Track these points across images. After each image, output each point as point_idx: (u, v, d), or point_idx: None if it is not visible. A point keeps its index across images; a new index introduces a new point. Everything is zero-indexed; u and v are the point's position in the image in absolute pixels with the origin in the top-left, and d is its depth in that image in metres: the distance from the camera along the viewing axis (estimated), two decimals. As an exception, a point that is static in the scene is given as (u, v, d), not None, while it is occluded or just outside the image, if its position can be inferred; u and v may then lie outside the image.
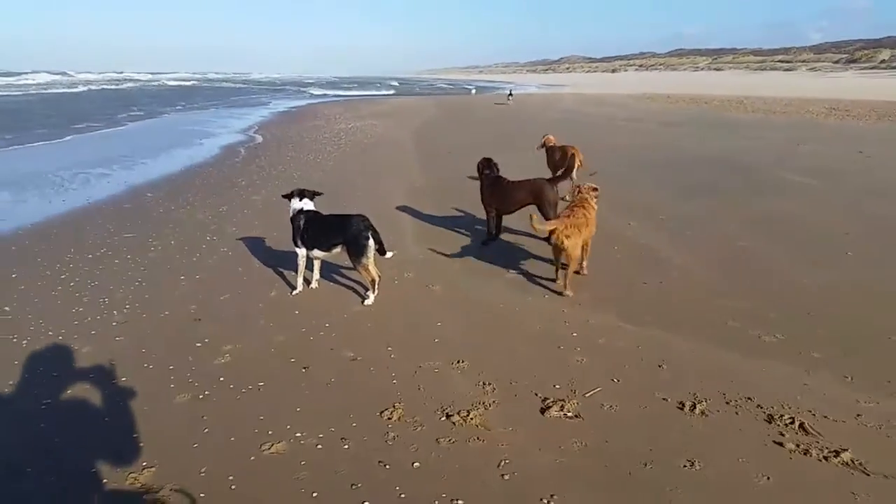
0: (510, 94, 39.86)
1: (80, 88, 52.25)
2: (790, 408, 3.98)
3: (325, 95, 54.77)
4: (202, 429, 3.85)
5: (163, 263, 7.04)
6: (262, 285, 6.35)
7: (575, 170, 9.32)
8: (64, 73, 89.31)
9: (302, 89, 65.85)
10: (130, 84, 65.22)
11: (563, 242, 5.93)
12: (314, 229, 6.05)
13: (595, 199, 6.61)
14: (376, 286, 5.89)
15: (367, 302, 5.87)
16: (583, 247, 6.31)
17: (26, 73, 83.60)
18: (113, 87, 57.59)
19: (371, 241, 5.77)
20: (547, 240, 6.65)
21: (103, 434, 3.83)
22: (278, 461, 3.53)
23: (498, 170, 7.72)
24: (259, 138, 19.21)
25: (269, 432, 3.78)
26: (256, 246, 7.66)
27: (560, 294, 6.11)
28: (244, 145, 17.53)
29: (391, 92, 59.80)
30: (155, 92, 51.26)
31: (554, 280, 6.40)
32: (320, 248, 6.05)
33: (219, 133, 20.95)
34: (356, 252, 5.78)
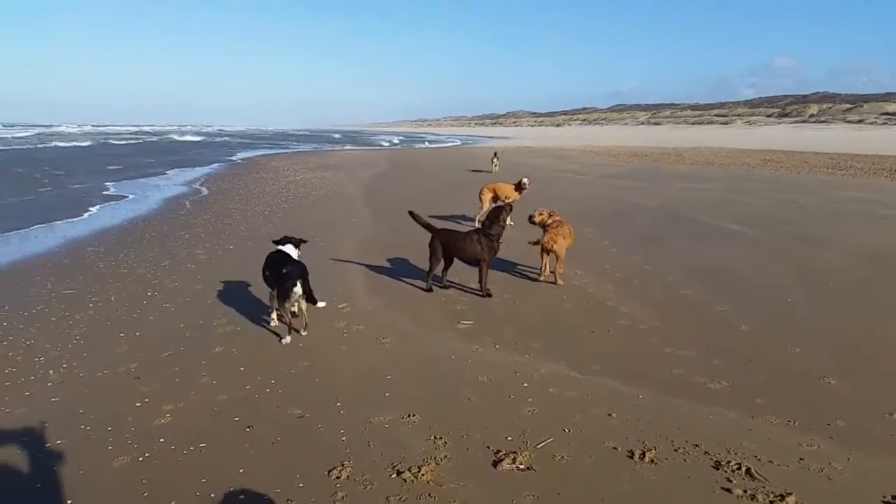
0: (496, 157, 26.76)
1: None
2: (736, 453, 4.03)
3: (275, 146, 54.74)
4: (142, 493, 3.67)
5: (102, 320, 6.79)
6: (206, 342, 6.16)
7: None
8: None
9: (252, 142, 65.81)
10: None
11: (552, 246, 8.01)
12: (268, 270, 6.43)
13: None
14: (291, 329, 6.17)
15: (283, 341, 6.08)
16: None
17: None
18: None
19: (297, 288, 5.99)
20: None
21: (35, 501, 3.62)
22: (221, 526, 3.38)
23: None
24: (205, 191, 18.97)
25: (212, 495, 3.63)
26: (199, 301, 7.47)
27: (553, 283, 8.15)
28: (189, 198, 17.27)
29: (338, 147, 59.54)
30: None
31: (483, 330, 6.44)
32: (271, 288, 6.42)
33: (164, 185, 20.64)
34: (280, 296, 6.05)
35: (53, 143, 51.89)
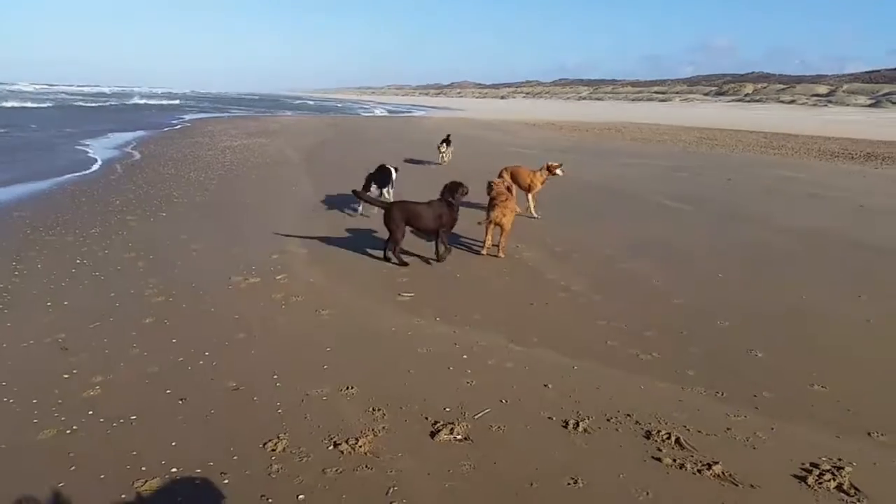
0: (446, 145, 18.61)
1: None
2: (667, 423, 4.17)
3: (213, 109, 53.32)
4: (69, 466, 3.56)
5: (27, 289, 6.50)
6: (136, 312, 5.96)
7: None
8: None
9: (188, 104, 64.12)
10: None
11: (501, 220, 8.11)
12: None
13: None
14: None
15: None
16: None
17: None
18: None
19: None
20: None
21: (-51, 479, 3.46)
22: (152, 499, 3.31)
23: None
24: (137, 155, 18.29)
25: (143, 468, 3.54)
26: (131, 270, 7.22)
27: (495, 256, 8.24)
28: (120, 162, 16.64)
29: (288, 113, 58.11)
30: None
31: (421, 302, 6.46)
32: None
33: (92, 149, 19.79)
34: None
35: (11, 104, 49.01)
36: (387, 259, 7.91)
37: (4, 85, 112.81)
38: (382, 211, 7.85)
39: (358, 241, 8.79)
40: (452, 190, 7.81)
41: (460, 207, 7.95)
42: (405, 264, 7.77)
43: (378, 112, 69.89)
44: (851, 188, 16.19)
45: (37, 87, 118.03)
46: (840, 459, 3.79)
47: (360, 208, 10.69)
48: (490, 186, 8.88)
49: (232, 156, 18.77)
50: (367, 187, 10.81)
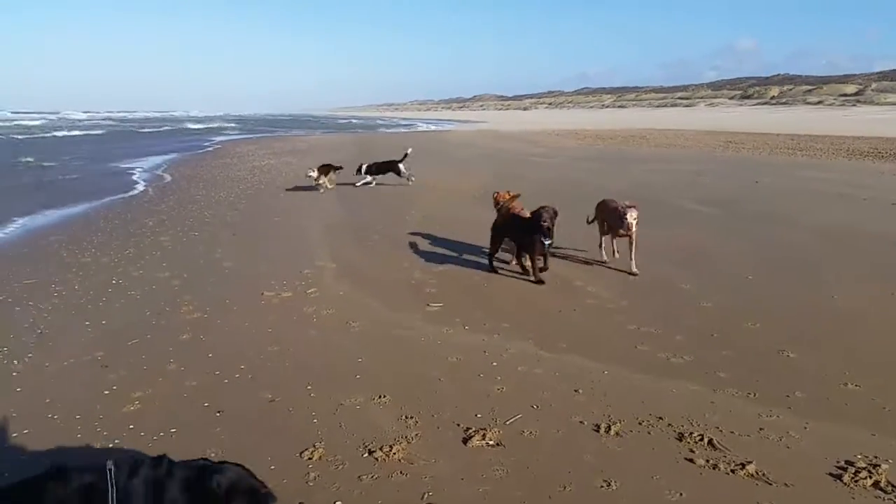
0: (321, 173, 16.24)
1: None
2: (699, 425, 4.16)
3: (244, 131, 54.30)
4: (111, 481, 3.67)
5: (66, 309, 6.69)
6: (173, 329, 6.11)
7: None
8: None
9: (223, 126, 65.75)
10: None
11: None
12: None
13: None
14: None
15: None
16: None
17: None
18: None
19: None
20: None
21: (0, 493, 3.58)
22: (193, 509, 3.39)
23: None
24: (167, 177, 18.68)
25: (184, 480, 3.64)
26: (165, 288, 7.39)
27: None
28: (152, 184, 17.02)
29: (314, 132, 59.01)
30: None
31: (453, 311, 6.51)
32: None
33: (125, 172, 20.26)
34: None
35: (75, 132, 50.68)
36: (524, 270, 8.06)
37: (56, 114, 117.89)
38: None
39: (385, 255, 8.90)
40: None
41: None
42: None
43: (423, 127, 71.31)
44: (883, 187, 15.94)
45: (87, 114, 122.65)
46: (876, 457, 3.75)
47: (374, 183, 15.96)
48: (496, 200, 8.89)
49: (261, 175, 19.09)
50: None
